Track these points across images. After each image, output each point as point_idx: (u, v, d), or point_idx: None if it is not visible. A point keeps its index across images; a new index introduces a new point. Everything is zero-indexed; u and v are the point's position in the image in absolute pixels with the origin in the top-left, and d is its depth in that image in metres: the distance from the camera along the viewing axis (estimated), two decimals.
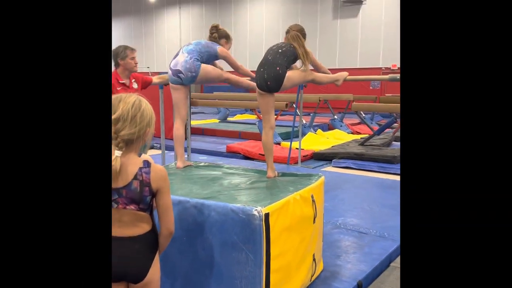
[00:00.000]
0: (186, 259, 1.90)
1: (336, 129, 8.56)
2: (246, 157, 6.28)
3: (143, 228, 1.42)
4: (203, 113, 13.75)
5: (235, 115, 12.29)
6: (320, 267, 2.40)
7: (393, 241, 2.93)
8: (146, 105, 1.42)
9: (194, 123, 9.63)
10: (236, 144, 6.77)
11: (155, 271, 1.44)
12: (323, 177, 2.37)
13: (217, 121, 10.73)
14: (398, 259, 2.79)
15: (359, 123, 9.59)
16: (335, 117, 9.25)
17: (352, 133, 8.57)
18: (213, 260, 1.82)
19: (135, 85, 3.52)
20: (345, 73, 2.99)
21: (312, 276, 2.25)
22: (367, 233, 3.09)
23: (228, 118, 11.04)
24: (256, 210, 1.70)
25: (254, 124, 8.53)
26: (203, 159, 6.33)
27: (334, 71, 3.11)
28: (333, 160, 5.91)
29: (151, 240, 1.44)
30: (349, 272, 2.45)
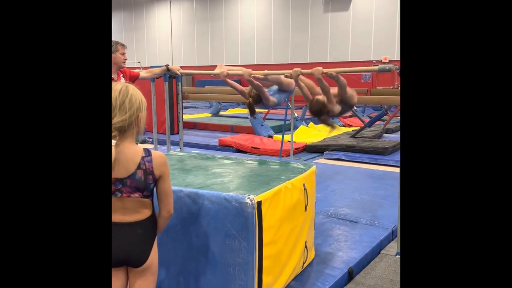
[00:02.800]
0: (180, 247, 1.93)
1: None
2: (239, 150, 6.31)
3: (145, 213, 1.46)
4: (195, 107, 13.71)
5: (227, 109, 12.28)
6: (311, 255, 2.45)
7: (384, 230, 2.99)
8: (133, 90, 1.42)
9: (186, 117, 9.61)
10: (229, 137, 6.80)
11: (154, 255, 1.49)
12: (314, 167, 2.41)
13: (209, 115, 10.72)
14: (388, 247, 2.86)
15: (350, 116, 9.65)
16: None
17: (343, 125, 8.63)
18: (207, 248, 1.86)
19: (122, 80, 3.53)
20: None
21: (304, 263, 2.30)
22: (358, 222, 3.15)
23: (220, 112, 11.03)
24: (248, 198, 1.74)
25: (247, 118, 8.55)
26: (195, 152, 6.32)
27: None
28: (325, 152, 5.97)
29: (152, 224, 1.48)
30: (340, 259, 2.50)
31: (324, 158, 5.86)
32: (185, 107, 12.95)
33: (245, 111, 11.45)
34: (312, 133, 7.46)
